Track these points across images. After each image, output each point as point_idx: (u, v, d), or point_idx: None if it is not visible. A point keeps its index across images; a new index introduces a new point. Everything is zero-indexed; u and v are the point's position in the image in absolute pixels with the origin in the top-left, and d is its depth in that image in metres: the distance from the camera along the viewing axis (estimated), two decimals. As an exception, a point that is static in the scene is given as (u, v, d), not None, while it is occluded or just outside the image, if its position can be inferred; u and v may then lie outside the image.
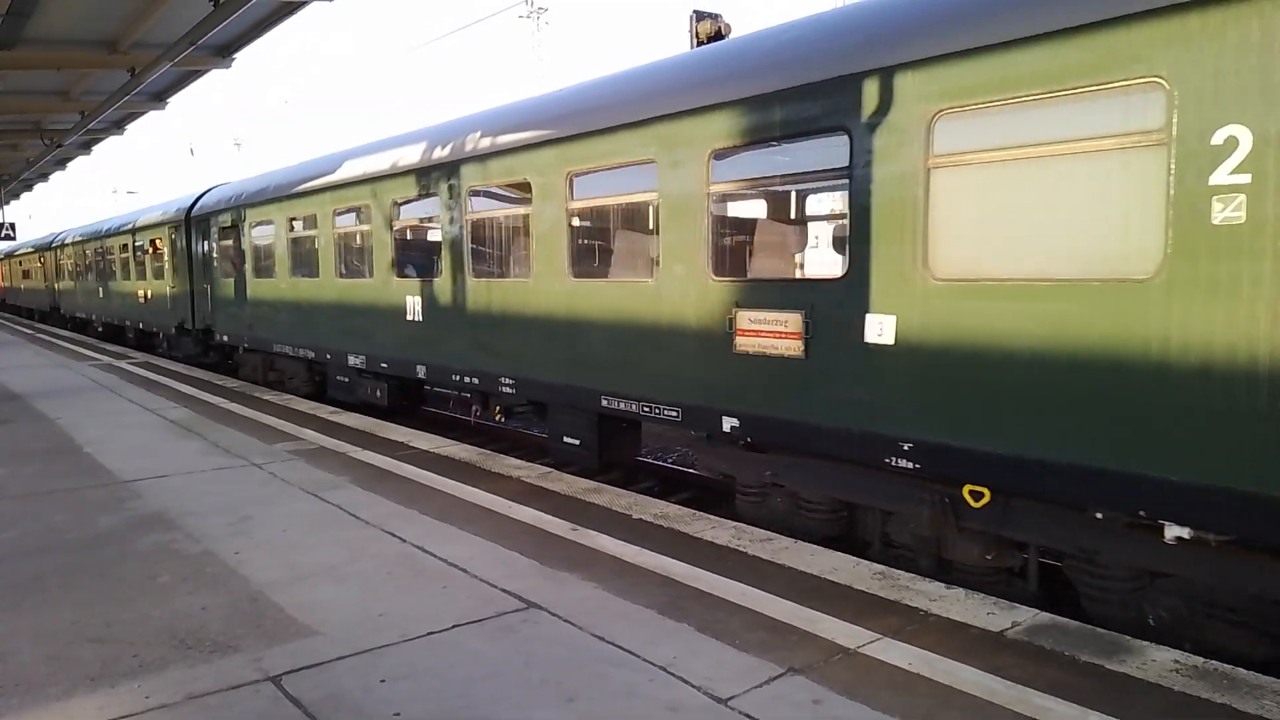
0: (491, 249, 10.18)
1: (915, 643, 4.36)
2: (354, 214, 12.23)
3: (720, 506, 8.91)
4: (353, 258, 12.64)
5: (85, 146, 22.66)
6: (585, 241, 9.78)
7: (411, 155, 10.87)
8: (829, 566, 5.50)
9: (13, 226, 28.77)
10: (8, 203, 34.31)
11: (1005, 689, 3.86)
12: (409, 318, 10.95)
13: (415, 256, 11.56)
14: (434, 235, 11.16)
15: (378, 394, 12.10)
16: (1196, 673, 3.99)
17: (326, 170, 12.95)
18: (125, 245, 23.56)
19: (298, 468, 8.50)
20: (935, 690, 3.87)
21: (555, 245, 8.61)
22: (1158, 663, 4.10)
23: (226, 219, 16.48)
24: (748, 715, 3.69)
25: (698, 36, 11.34)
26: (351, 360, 12.36)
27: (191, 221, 18.27)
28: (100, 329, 28.10)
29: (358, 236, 12.40)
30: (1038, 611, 4.77)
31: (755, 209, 9.27)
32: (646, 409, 7.67)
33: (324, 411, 12.03)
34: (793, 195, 9.09)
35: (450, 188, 10.09)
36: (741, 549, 5.87)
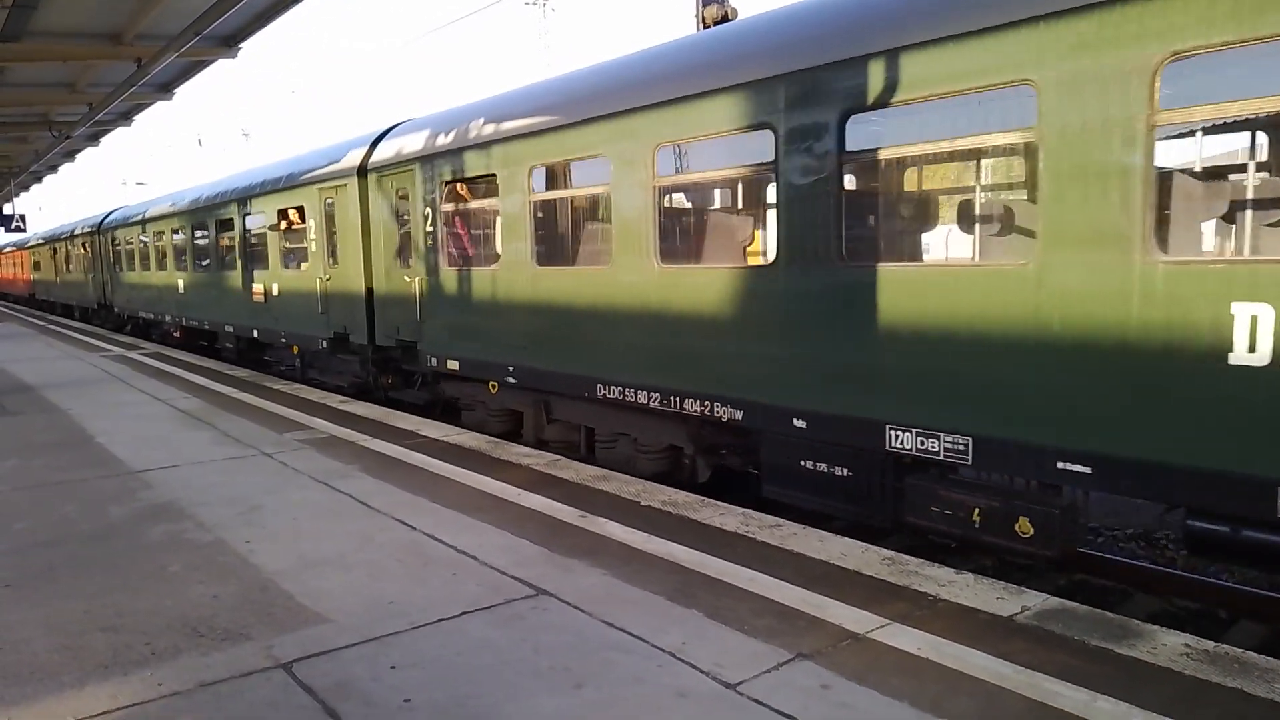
0: None
1: (924, 628, 4.35)
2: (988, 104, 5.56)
3: (727, 493, 8.89)
4: (941, 209, 7.51)
5: (93, 138, 22.71)
6: None
7: None
8: (837, 552, 5.49)
9: (23, 218, 28.85)
10: (17, 195, 34.46)
11: (1014, 674, 3.85)
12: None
13: None
14: None
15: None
16: (1207, 657, 3.97)
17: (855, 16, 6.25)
18: (228, 220, 16.94)
19: (308, 456, 8.53)
20: (944, 675, 3.87)
21: None
22: (1168, 647, 4.08)
23: (455, 167, 10.23)
24: (756, 700, 3.70)
25: (704, 21, 11.30)
26: (913, 441, 5.88)
27: (370, 176, 11.99)
28: (178, 335, 21.35)
29: (998, 162, 7.28)
30: (1047, 596, 4.75)
31: None
32: None
33: (334, 400, 12.06)
34: None
35: None
36: (749, 535, 5.87)
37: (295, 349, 15.03)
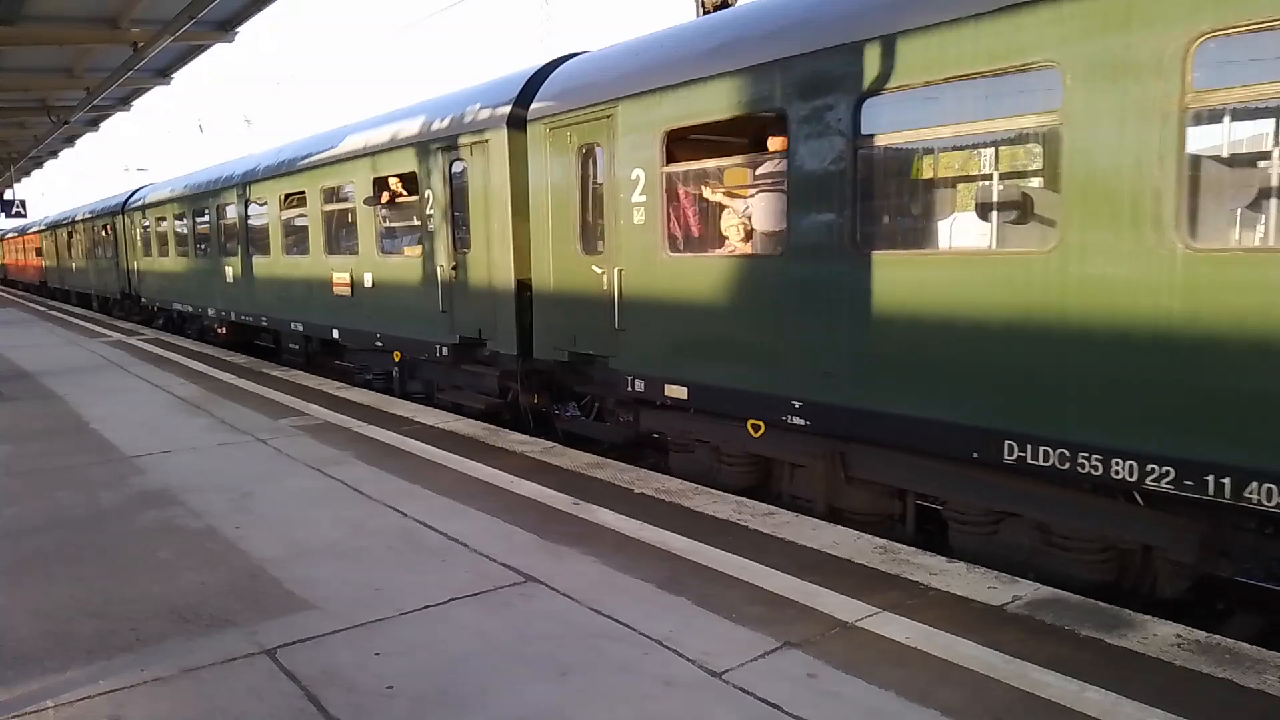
0: None
1: (914, 617, 4.32)
2: None
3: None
4: None
5: (93, 123, 22.62)
6: None
7: None
8: (830, 540, 5.46)
9: (23, 204, 28.73)
10: (18, 180, 34.40)
11: (1004, 664, 3.82)
12: None
13: None
14: None
15: None
16: (1199, 647, 3.94)
17: None
18: (296, 195, 14.00)
19: (302, 443, 8.51)
20: (933, 665, 3.84)
21: None
22: (1159, 637, 4.05)
23: (692, 108, 7.06)
24: (742, 689, 3.67)
25: (704, 6, 11.20)
26: None
27: (531, 128, 8.81)
28: (222, 331, 18.29)
29: None
30: (1039, 585, 4.72)
31: None
32: None
33: (330, 387, 12.04)
34: None
35: None
36: (743, 523, 5.83)
37: (396, 355, 11.88)
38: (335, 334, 13.11)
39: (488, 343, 9.84)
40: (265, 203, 15.13)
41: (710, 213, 7.58)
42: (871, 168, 6.05)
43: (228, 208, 16.89)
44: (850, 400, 6.07)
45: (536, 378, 9.65)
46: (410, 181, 11.00)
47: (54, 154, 30.01)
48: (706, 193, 7.53)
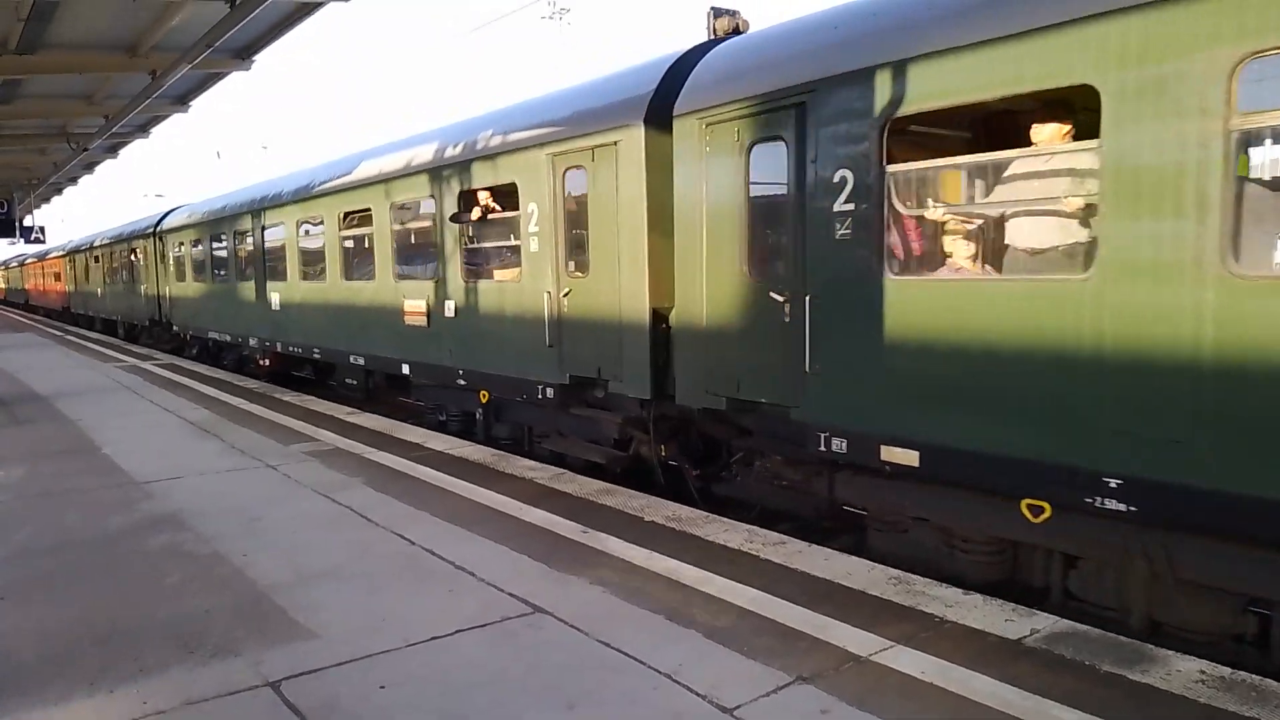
0: None
1: (929, 650, 4.23)
2: None
3: (735, 510, 8.60)
4: None
5: (112, 150, 22.87)
6: None
7: None
8: (843, 571, 5.37)
9: (42, 229, 28.99)
10: (38, 206, 34.80)
11: (1020, 699, 3.72)
12: None
13: None
14: None
15: None
16: (1223, 684, 3.83)
17: None
18: (360, 213, 12.35)
19: (311, 469, 8.48)
20: (947, 700, 3.74)
21: None
22: (1183, 673, 3.94)
23: (930, 86, 5.43)
24: (752, 725, 3.59)
25: (715, 33, 11.27)
26: None
27: (679, 124, 7.26)
28: (266, 363, 16.74)
29: None
30: (1057, 619, 4.62)
31: None
32: None
33: (341, 413, 12.02)
34: None
35: None
36: (754, 552, 5.75)
37: (483, 395, 10.34)
38: (405, 369, 11.39)
39: (609, 383, 8.20)
40: (320, 221, 13.58)
41: (959, 223, 5.84)
42: (1252, 156, 4.49)
43: (275, 228, 15.34)
44: (1216, 481, 4.35)
45: (663, 425, 8.13)
46: (507, 194, 9.46)
47: (74, 180, 30.37)
48: (953, 197, 5.93)
